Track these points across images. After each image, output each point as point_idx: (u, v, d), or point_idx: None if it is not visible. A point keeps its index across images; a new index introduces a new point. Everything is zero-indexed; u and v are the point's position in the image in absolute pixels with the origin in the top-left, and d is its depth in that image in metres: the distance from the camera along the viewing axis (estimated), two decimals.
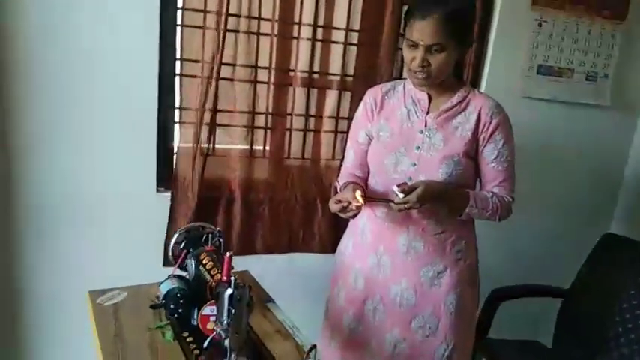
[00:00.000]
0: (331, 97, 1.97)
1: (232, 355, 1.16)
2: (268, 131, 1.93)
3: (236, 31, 1.79)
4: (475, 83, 2.11)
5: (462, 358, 1.56)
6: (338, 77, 1.96)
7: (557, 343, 2.14)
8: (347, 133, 2.02)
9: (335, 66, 1.95)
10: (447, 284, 1.47)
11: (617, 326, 1.98)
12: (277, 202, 1.97)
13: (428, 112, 1.45)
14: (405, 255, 1.47)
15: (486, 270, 2.16)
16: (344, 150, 2.05)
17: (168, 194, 1.84)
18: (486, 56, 2.09)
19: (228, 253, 1.23)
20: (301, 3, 1.83)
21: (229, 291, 1.13)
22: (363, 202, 1.34)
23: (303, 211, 2.00)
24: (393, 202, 1.35)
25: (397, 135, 1.47)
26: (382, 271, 1.50)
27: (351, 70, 1.97)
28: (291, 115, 1.94)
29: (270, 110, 1.90)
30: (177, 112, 1.84)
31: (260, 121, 1.91)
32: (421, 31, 1.31)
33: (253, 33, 1.81)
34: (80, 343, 1.74)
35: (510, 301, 2.09)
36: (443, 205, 1.42)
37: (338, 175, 1.65)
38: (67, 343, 1.82)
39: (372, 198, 1.43)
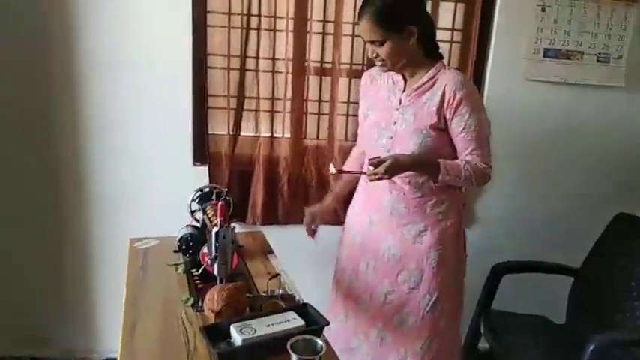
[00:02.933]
0: (342, 83, 2.21)
1: (223, 280, 1.46)
2: (287, 115, 2.21)
3: (257, 29, 2.10)
4: (480, 67, 2.24)
5: (449, 309, 1.70)
6: (348, 66, 2.21)
7: (568, 319, 2.19)
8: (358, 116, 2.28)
9: (345, 56, 2.19)
10: (429, 242, 1.64)
11: (628, 302, 2.01)
12: (295, 177, 2.25)
13: (405, 91, 1.64)
14: (390, 215, 1.67)
15: (498, 245, 2.29)
16: (357, 132, 2.31)
17: (203, 168, 2.20)
18: (490, 41, 2.21)
19: (220, 203, 1.54)
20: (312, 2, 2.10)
21: (215, 229, 1.43)
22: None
23: (318, 186, 2.26)
24: (365, 173, 1.55)
25: (379, 113, 1.68)
26: (373, 229, 1.71)
27: (358, 59, 2.20)
28: (306, 100, 2.21)
29: (288, 97, 2.19)
30: (209, 100, 2.18)
31: (279, 106, 2.21)
32: (361, 30, 1.55)
33: (271, 30, 2.12)
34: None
35: (522, 279, 2.18)
36: (420, 172, 1.59)
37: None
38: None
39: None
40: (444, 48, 2.18)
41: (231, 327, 1.20)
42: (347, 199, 1.86)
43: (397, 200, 1.65)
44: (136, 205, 2.19)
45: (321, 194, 2.26)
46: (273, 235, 2.16)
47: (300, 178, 2.26)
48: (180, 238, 1.66)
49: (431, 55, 1.63)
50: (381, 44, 1.53)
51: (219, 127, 2.20)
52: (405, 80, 1.64)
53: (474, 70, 2.25)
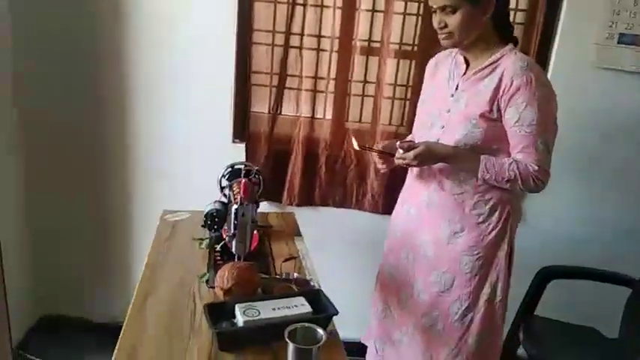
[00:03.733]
0: (390, 64, 2.10)
1: (241, 259, 1.44)
2: (329, 95, 2.14)
3: (304, 5, 2.03)
4: (545, 52, 2.05)
5: (481, 321, 1.54)
6: (397, 46, 2.09)
7: (622, 334, 1.98)
8: (404, 99, 2.16)
9: (395, 35, 2.07)
10: (463, 245, 1.50)
11: None
12: (334, 160, 2.18)
13: (464, 76, 1.48)
14: (426, 209, 1.54)
15: (548, 246, 2.12)
16: (402, 116, 2.19)
17: (242, 145, 2.19)
18: (557, 24, 2.00)
19: (244, 180, 1.51)
20: None
21: (235, 207, 1.40)
22: (357, 148, 1.48)
23: (356, 170, 2.18)
24: (393, 155, 1.44)
25: (436, 99, 1.55)
26: (411, 222, 1.60)
27: (408, 40, 2.08)
28: (350, 80, 2.12)
29: (332, 76, 2.12)
30: (252, 77, 2.14)
31: (322, 85, 2.13)
32: None
33: (318, 5, 2.04)
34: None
35: (572, 286, 2.01)
36: (455, 166, 1.45)
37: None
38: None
39: (370, 148, 1.52)
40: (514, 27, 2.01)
41: (236, 307, 1.17)
42: None
43: (435, 195, 1.52)
44: (174, 178, 2.22)
45: (360, 179, 2.20)
46: (309, 216, 2.14)
47: (339, 161, 2.19)
48: (206, 214, 1.64)
49: (503, 37, 1.46)
50: (453, 12, 1.36)
51: (260, 105, 2.17)
52: (468, 65, 1.49)
53: (538, 54, 2.06)
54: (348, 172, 2.19)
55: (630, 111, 2.07)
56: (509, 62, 1.40)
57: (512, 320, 2.02)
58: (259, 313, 1.16)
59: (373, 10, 2.05)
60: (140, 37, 2.08)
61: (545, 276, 1.98)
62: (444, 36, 1.42)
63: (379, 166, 1.50)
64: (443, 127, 1.49)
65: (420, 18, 2.05)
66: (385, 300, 1.70)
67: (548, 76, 2.05)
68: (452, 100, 1.49)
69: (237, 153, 2.17)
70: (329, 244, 2.18)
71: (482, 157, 1.43)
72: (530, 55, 2.05)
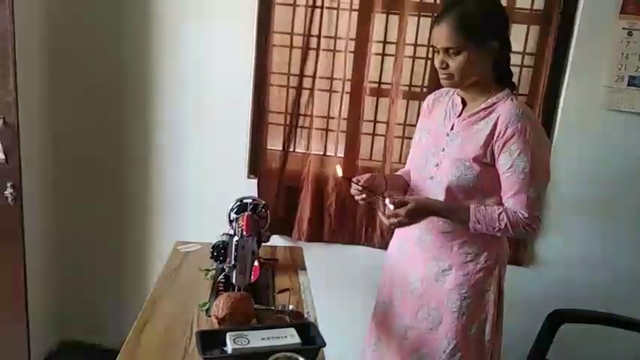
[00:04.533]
0: (399, 105, 2.16)
1: (241, 289, 1.49)
2: (341, 134, 2.21)
3: (316, 49, 2.14)
4: (554, 94, 2.06)
5: None
6: (406, 88, 2.16)
7: None
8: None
9: (404, 78, 2.14)
10: (451, 283, 1.50)
11: None
12: (343, 197, 2.22)
13: (460, 117, 1.51)
14: (416, 245, 1.56)
15: (559, 289, 2.08)
16: None
17: (256, 180, 2.28)
18: (566, 66, 2.03)
19: (247, 214, 1.58)
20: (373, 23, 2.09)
21: (235, 239, 1.47)
22: (340, 175, 1.51)
23: (366, 208, 2.22)
24: (383, 200, 1.42)
25: (432, 137, 1.57)
26: (402, 258, 1.62)
27: (417, 81, 2.15)
28: (360, 120, 2.19)
29: (343, 116, 2.20)
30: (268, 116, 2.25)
31: (333, 125, 2.21)
32: (437, 35, 1.41)
33: (330, 50, 2.14)
34: None
35: (587, 331, 1.94)
36: (447, 218, 1.47)
37: None
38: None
39: (356, 182, 1.48)
40: (513, 72, 2.06)
41: (227, 335, 1.21)
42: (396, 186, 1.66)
43: (425, 231, 1.53)
44: (192, 211, 2.32)
45: (369, 216, 2.24)
46: (318, 252, 2.17)
47: (348, 199, 2.23)
48: (214, 246, 1.71)
49: (501, 82, 1.48)
50: (456, 54, 1.39)
51: (273, 142, 2.26)
52: (464, 105, 1.52)
53: (546, 97, 2.08)
54: (358, 209, 2.23)
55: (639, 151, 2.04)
56: (505, 108, 1.42)
57: None
58: (249, 341, 1.20)
59: (383, 54, 2.14)
60: (164, 80, 2.24)
61: (556, 319, 1.93)
62: (444, 76, 1.45)
63: (357, 197, 1.49)
64: (437, 165, 1.52)
65: (428, 61, 2.12)
66: (378, 334, 1.71)
67: (558, 117, 2.07)
68: (447, 139, 1.51)
69: (252, 188, 2.25)
70: (336, 280, 2.22)
71: (471, 208, 1.43)
72: (538, 98, 2.09)
